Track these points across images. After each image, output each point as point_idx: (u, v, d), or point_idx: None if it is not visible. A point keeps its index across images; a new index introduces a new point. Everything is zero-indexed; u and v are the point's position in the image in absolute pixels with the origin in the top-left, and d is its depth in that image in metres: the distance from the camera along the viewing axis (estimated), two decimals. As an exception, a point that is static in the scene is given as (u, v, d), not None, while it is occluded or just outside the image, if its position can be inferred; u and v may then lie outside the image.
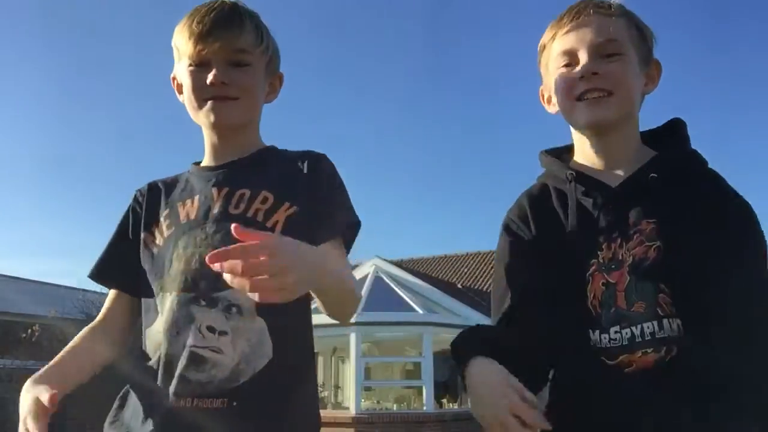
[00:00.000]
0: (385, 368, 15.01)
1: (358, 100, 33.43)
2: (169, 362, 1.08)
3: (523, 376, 1.01)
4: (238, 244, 0.80)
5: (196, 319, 1.08)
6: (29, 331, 12.81)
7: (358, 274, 14.20)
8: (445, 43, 31.92)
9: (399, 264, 15.91)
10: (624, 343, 1.03)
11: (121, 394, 1.16)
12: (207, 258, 0.79)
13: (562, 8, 1.18)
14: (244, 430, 1.04)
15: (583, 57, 1.12)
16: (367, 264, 14.60)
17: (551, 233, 1.14)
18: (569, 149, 1.24)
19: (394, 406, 12.96)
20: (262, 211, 1.15)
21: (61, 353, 1.18)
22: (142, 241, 1.21)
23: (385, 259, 15.12)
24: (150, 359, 1.12)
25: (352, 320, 11.76)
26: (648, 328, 1.02)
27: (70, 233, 35.27)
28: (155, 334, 1.12)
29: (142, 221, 1.24)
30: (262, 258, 0.80)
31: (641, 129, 1.21)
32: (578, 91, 1.12)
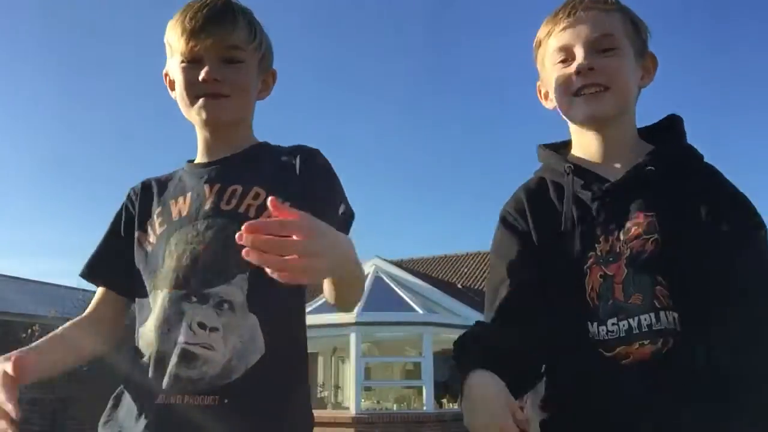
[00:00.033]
0: (385, 368, 15.01)
1: (358, 100, 33.45)
2: (161, 360, 1.08)
3: (520, 373, 1.03)
4: (277, 219, 0.77)
5: (187, 316, 1.08)
6: (29, 331, 12.80)
7: (358, 274, 14.20)
8: (445, 42, 31.95)
9: (399, 264, 15.91)
10: (621, 335, 1.03)
11: (115, 393, 1.15)
12: (244, 227, 0.75)
13: (559, 5, 1.18)
14: (237, 427, 1.03)
15: (579, 53, 1.12)
16: (367, 264, 14.58)
17: (548, 226, 1.14)
18: (567, 144, 1.24)
19: (394, 406, 12.96)
20: (253, 206, 1.14)
21: (40, 341, 1.18)
22: (136, 240, 1.21)
23: (385, 259, 15.12)
24: (143, 357, 1.11)
25: (352, 320, 11.82)
26: (645, 320, 1.03)
27: (70, 233, 35.28)
28: (148, 332, 1.12)
29: (136, 220, 1.23)
30: (295, 237, 0.77)
31: (639, 125, 1.21)
32: (575, 86, 1.13)
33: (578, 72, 1.12)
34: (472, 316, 12.72)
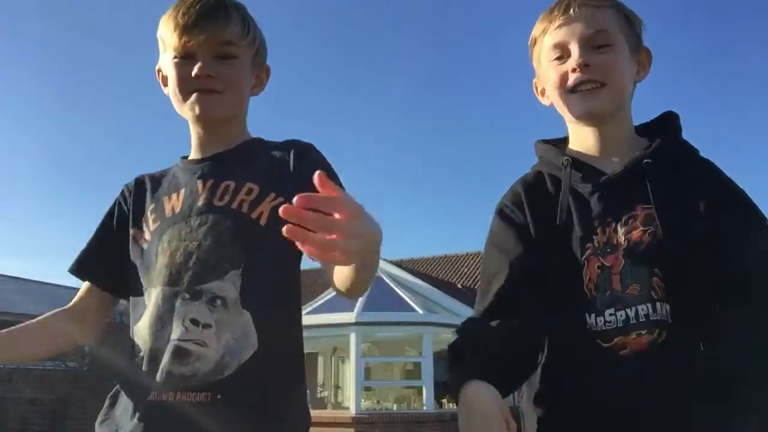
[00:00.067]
0: (385, 368, 15.01)
1: (358, 101, 33.44)
2: (154, 357, 1.07)
3: (514, 370, 1.05)
4: (325, 195, 0.74)
5: (179, 313, 1.07)
6: (29, 331, 12.80)
7: (358, 274, 14.19)
8: (445, 43, 31.94)
9: (399, 264, 15.91)
10: (619, 325, 1.04)
11: (111, 392, 1.14)
12: (296, 199, 0.71)
13: (554, 2, 1.19)
14: (230, 423, 1.02)
15: (574, 50, 1.13)
16: (367, 264, 14.60)
17: (546, 218, 1.14)
18: (564, 141, 1.25)
19: (394, 406, 12.96)
20: (246, 202, 1.14)
21: (12, 328, 1.18)
22: (132, 237, 1.20)
23: (385, 259, 15.11)
24: (137, 355, 1.11)
25: (352, 320, 11.82)
26: (642, 310, 1.03)
27: (70, 234, 35.25)
28: (142, 330, 1.11)
29: (131, 217, 1.23)
30: (337, 216, 0.74)
31: (638, 123, 1.22)
32: (571, 83, 1.13)
33: (574, 69, 1.12)
34: (472, 316, 12.69)
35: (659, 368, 1.00)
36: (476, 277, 17.78)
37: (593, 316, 1.06)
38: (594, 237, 1.09)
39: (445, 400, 12.78)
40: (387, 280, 13.66)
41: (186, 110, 1.20)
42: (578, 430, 1.06)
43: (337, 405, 13.59)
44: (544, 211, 1.15)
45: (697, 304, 1.02)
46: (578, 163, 1.16)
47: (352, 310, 11.92)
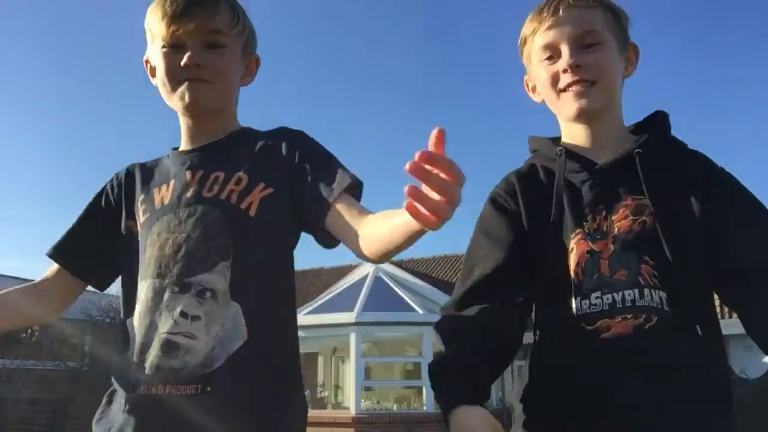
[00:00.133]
0: (385, 368, 15.00)
1: (358, 96, 33.43)
2: (143, 350, 1.06)
3: (496, 362, 1.08)
4: (445, 157, 0.70)
5: (169, 306, 1.06)
6: (29, 331, 12.79)
7: (358, 274, 14.20)
8: (444, 42, 31.93)
9: (399, 264, 15.89)
10: (604, 308, 1.06)
11: (109, 391, 1.13)
12: (419, 155, 0.68)
13: (543, 2, 1.21)
14: (219, 414, 1.01)
15: (564, 50, 1.15)
16: (367, 264, 14.59)
17: (538, 207, 1.16)
18: (556, 140, 1.27)
19: (394, 406, 12.95)
20: (236, 192, 1.13)
21: None
22: (126, 228, 1.20)
23: (385, 259, 15.10)
24: (129, 348, 1.10)
25: (352, 320, 11.81)
26: (629, 295, 1.05)
27: (70, 233, 35.11)
28: (133, 323, 1.11)
29: (124, 208, 1.22)
30: (444, 176, 0.71)
31: (636, 122, 1.25)
32: (563, 83, 1.16)
33: (565, 70, 1.14)
34: (472, 316, 12.69)
35: (642, 352, 1.03)
36: (476, 277, 17.74)
37: (578, 299, 1.08)
38: (584, 223, 1.12)
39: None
40: (387, 280, 13.65)
41: (175, 100, 1.18)
42: (558, 409, 1.08)
43: (337, 405, 13.57)
44: (536, 201, 1.18)
45: (695, 291, 1.05)
46: (571, 153, 1.18)
47: (352, 310, 11.91)
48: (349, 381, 12.55)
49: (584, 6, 1.17)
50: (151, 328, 1.07)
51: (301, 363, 1.19)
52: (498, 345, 1.10)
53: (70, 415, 12.92)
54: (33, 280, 1.28)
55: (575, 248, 1.11)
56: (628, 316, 1.05)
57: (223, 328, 1.05)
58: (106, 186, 1.28)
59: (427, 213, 0.71)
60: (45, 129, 31.14)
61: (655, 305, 1.04)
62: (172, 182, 1.18)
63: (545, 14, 1.17)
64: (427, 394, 11.82)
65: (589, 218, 1.12)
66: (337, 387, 14.73)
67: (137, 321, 1.10)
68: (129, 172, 1.27)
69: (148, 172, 1.24)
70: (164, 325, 1.05)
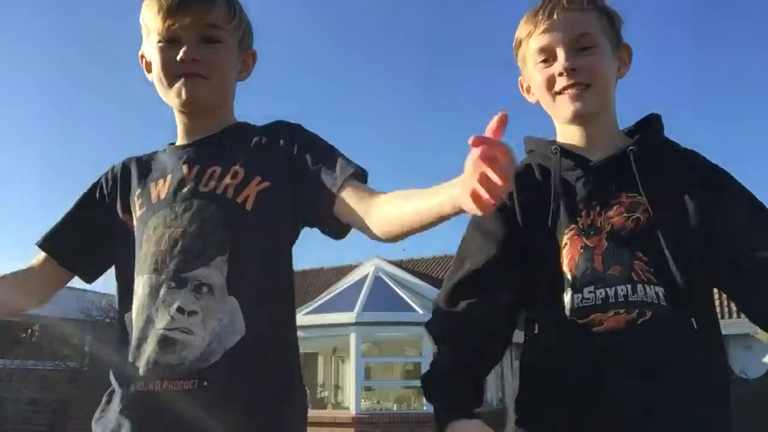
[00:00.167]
0: (385, 368, 14.99)
1: (358, 94, 33.43)
2: (140, 346, 1.06)
3: (486, 360, 1.13)
4: (507, 144, 0.71)
5: (165, 301, 1.05)
6: (29, 331, 12.79)
7: (358, 274, 14.20)
8: (445, 40, 31.92)
9: (399, 264, 15.89)
10: (597, 303, 1.07)
11: (108, 390, 1.13)
12: (493, 125, 0.70)
13: (538, 5, 1.22)
14: (217, 408, 1.00)
15: (560, 54, 1.16)
16: (367, 264, 14.58)
17: (533, 203, 1.18)
18: (552, 141, 1.28)
19: (394, 406, 12.94)
20: (232, 186, 1.12)
21: None
22: (122, 223, 1.19)
23: (385, 259, 15.10)
24: (127, 345, 1.09)
25: (352, 320, 11.80)
26: (622, 290, 1.07)
27: (70, 233, 35.13)
28: (131, 319, 1.10)
29: (119, 202, 1.21)
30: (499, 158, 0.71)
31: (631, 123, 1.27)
32: (559, 86, 1.18)
33: (561, 73, 1.16)
34: (472, 316, 12.66)
35: (634, 347, 1.04)
36: (476, 277, 17.72)
37: (570, 293, 1.09)
38: (579, 219, 1.13)
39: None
40: (387, 280, 13.64)
41: (171, 97, 1.17)
42: (549, 404, 1.10)
43: (337, 405, 13.56)
44: (531, 198, 1.19)
45: (692, 287, 1.05)
46: (566, 152, 1.20)
47: (352, 310, 11.90)
48: (349, 381, 12.54)
49: (579, 9, 1.18)
50: (148, 323, 1.06)
51: (301, 362, 1.18)
52: (488, 342, 1.14)
53: (70, 415, 12.92)
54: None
55: (569, 243, 1.12)
56: (621, 311, 1.06)
57: (220, 323, 1.04)
58: (100, 179, 1.27)
59: (487, 197, 0.71)
60: (45, 128, 31.15)
61: (649, 300, 1.06)
62: (168, 177, 1.17)
63: (540, 17, 1.18)
64: (427, 394, 11.78)
65: (583, 214, 1.13)
66: (337, 387, 14.72)
67: (134, 317, 1.09)
68: (125, 166, 1.25)
69: (145, 166, 1.23)
70: (161, 321, 1.05)
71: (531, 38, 1.20)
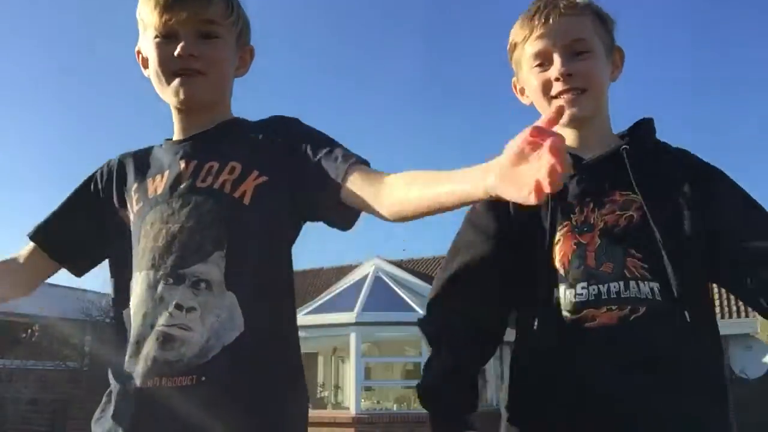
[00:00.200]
0: (385, 368, 14.99)
1: (358, 92, 33.44)
2: (138, 343, 1.05)
3: (480, 355, 1.17)
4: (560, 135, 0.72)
5: (163, 298, 1.05)
6: (29, 331, 12.79)
7: (358, 274, 14.20)
8: (446, 35, 31.92)
9: (399, 264, 15.90)
10: (590, 299, 1.09)
11: (108, 390, 1.12)
12: (550, 115, 0.71)
13: (533, 8, 1.23)
14: (214, 404, 1.00)
15: (556, 59, 1.18)
16: (367, 264, 14.59)
17: (529, 205, 1.18)
18: None
19: (394, 406, 12.94)
20: (229, 182, 1.11)
21: None
22: (120, 218, 1.19)
23: (385, 259, 15.11)
24: (125, 342, 1.09)
25: (352, 320, 11.80)
26: (614, 287, 1.08)
27: (70, 233, 35.11)
28: (129, 316, 1.09)
29: (115, 197, 1.21)
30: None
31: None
32: (555, 91, 1.19)
33: (557, 78, 1.17)
34: (472, 316, 12.67)
35: (626, 343, 1.05)
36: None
37: (563, 288, 1.11)
38: (572, 216, 1.15)
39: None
40: (387, 280, 13.64)
41: (169, 94, 1.16)
42: (541, 400, 1.11)
43: (337, 405, 13.57)
44: None
45: (688, 282, 1.06)
46: None
47: (352, 310, 11.91)
48: (349, 381, 12.55)
49: (574, 14, 1.19)
50: (146, 320, 1.05)
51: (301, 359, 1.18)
52: (481, 341, 1.18)
53: (70, 415, 12.91)
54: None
55: (562, 240, 1.14)
56: (613, 308, 1.07)
57: (219, 319, 1.04)
58: (96, 173, 1.26)
59: (549, 188, 0.72)
60: (46, 127, 31.14)
61: (643, 296, 1.07)
62: (166, 173, 1.16)
63: (536, 22, 1.19)
64: (427, 394, 11.77)
65: (576, 211, 1.15)
66: (337, 387, 14.73)
67: (132, 314, 1.08)
68: (121, 162, 1.25)
69: (141, 161, 1.22)
70: (159, 318, 1.04)
71: (527, 43, 1.21)
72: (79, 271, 1.26)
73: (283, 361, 1.11)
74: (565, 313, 1.09)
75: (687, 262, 1.08)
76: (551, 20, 1.18)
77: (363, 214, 1.10)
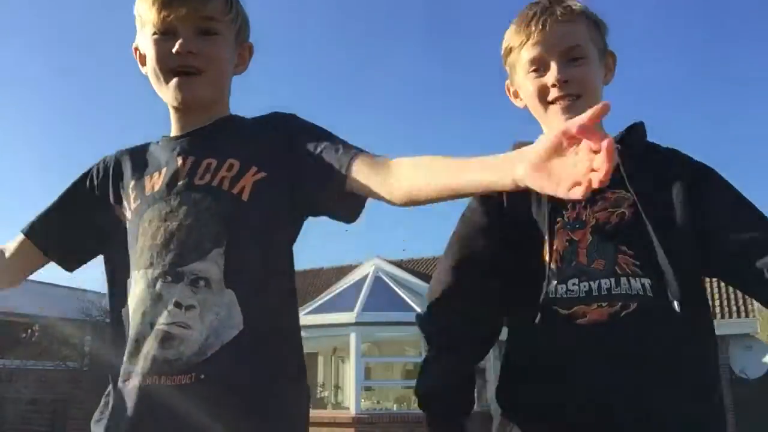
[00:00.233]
0: (385, 368, 14.99)
1: (358, 91, 33.43)
2: (138, 341, 1.04)
3: (478, 350, 1.20)
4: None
5: (162, 296, 1.04)
6: (29, 331, 12.80)
7: (358, 274, 14.20)
8: (450, 36, 31.93)
9: (399, 264, 15.89)
10: (581, 295, 1.10)
11: (107, 390, 1.12)
12: (596, 111, 0.71)
13: (530, 13, 1.24)
14: (213, 402, 0.99)
15: (552, 66, 1.19)
16: (367, 264, 14.58)
17: (519, 195, 1.20)
18: None
19: (394, 406, 12.94)
20: (227, 178, 1.10)
21: None
22: (116, 216, 1.18)
23: (385, 259, 15.10)
24: (125, 341, 1.08)
25: (352, 320, 11.80)
26: (605, 283, 1.09)
27: (70, 233, 35.10)
28: (128, 315, 1.09)
29: (111, 193, 1.20)
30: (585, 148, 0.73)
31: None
32: (551, 97, 1.21)
33: (553, 84, 1.19)
34: (472, 316, 12.66)
35: (616, 339, 1.06)
36: (476, 277, 17.68)
37: (554, 284, 1.12)
38: (564, 212, 1.16)
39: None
40: (387, 280, 13.64)
41: (166, 93, 1.16)
42: (530, 395, 1.13)
43: (337, 405, 13.56)
44: (519, 191, 1.20)
45: (680, 279, 1.07)
46: None
47: (352, 310, 11.90)
48: (349, 381, 12.54)
49: (570, 20, 1.21)
50: (146, 319, 1.05)
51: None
52: (478, 342, 1.20)
53: (70, 415, 12.93)
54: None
55: (554, 236, 1.15)
56: (604, 304, 1.08)
57: (218, 317, 1.03)
58: (91, 168, 1.25)
59: (597, 184, 0.72)
60: (47, 127, 31.14)
61: (634, 293, 1.08)
62: (163, 170, 1.15)
63: (533, 28, 1.20)
64: (427, 394, 11.76)
65: (568, 207, 1.16)
66: (337, 387, 14.72)
67: (131, 312, 1.08)
68: (117, 158, 1.24)
69: (138, 158, 1.21)
70: (158, 316, 1.03)
71: (523, 48, 1.23)
72: (70, 266, 1.25)
73: (284, 360, 1.10)
74: (556, 310, 1.10)
75: (680, 257, 1.08)
76: (548, 27, 1.19)
77: (365, 210, 1.10)
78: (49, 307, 12.83)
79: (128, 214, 1.15)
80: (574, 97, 1.19)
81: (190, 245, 1.06)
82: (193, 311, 1.03)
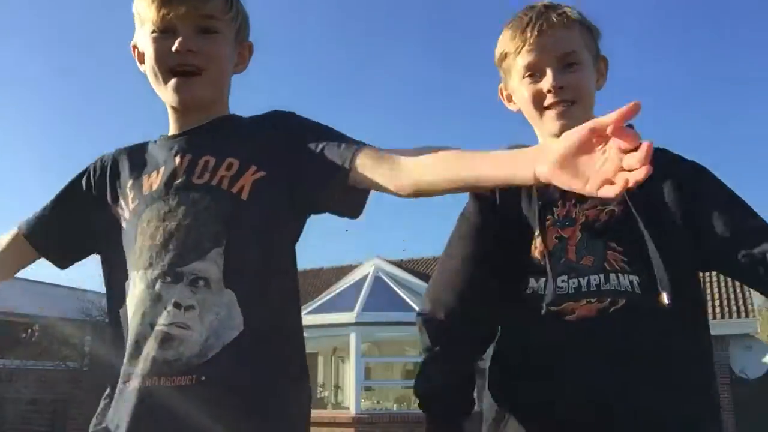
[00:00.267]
0: (385, 368, 14.99)
1: (358, 90, 33.42)
2: (138, 342, 1.04)
3: (476, 349, 1.22)
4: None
5: (161, 297, 1.03)
6: (29, 331, 12.80)
7: (358, 274, 14.19)
8: (450, 36, 31.91)
9: (399, 264, 15.89)
10: (570, 292, 1.11)
11: (106, 392, 1.11)
12: (627, 110, 0.72)
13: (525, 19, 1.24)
14: (216, 405, 0.99)
15: (548, 72, 1.20)
16: (367, 264, 14.57)
17: (511, 193, 1.23)
18: None
19: (394, 406, 12.94)
20: (227, 178, 1.09)
21: None
22: (112, 215, 1.17)
23: (385, 259, 15.10)
24: (124, 342, 1.07)
25: (352, 320, 11.79)
26: (594, 280, 1.11)
27: (70, 233, 35.08)
28: (126, 316, 1.08)
29: (108, 193, 1.19)
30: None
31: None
32: (546, 103, 1.21)
33: (549, 90, 1.20)
34: (472, 316, 12.65)
35: (605, 335, 1.07)
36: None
37: (542, 281, 1.13)
38: (554, 209, 1.18)
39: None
40: (387, 280, 13.64)
41: (165, 94, 1.15)
42: (519, 391, 1.14)
43: (337, 405, 13.56)
44: (511, 193, 1.24)
45: (671, 275, 1.07)
46: None
47: (352, 310, 11.90)
48: (349, 381, 12.54)
49: (565, 27, 1.21)
50: (145, 319, 1.04)
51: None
52: (477, 341, 1.22)
53: (70, 415, 12.94)
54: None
55: (545, 233, 1.16)
56: (593, 300, 1.09)
57: (218, 317, 1.02)
58: (89, 167, 1.25)
59: (633, 185, 0.72)
60: (47, 127, 31.14)
61: (623, 289, 1.09)
62: (161, 169, 1.14)
63: (529, 35, 1.21)
64: (427, 394, 11.75)
65: (559, 204, 1.18)
66: (337, 387, 14.72)
67: (130, 313, 1.07)
68: (115, 157, 1.23)
69: (136, 157, 1.20)
70: (158, 317, 1.03)
71: (518, 55, 1.23)
72: (63, 264, 1.25)
73: (286, 360, 1.09)
74: (545, 306, 1.11)
75: (671, 251, 1.09)
76: (544, 33, 1.20)
77: (366, 208, 1.09)
78: (49, 307, 12.83)
79: (126, 214, 1.14)
80: (568, 103, 1.20)
81: (190, 245, 1.05)
82: (192, 312, 1.02)
